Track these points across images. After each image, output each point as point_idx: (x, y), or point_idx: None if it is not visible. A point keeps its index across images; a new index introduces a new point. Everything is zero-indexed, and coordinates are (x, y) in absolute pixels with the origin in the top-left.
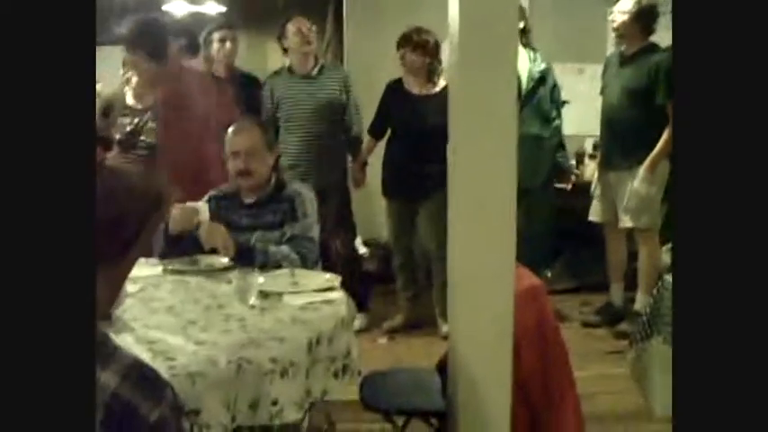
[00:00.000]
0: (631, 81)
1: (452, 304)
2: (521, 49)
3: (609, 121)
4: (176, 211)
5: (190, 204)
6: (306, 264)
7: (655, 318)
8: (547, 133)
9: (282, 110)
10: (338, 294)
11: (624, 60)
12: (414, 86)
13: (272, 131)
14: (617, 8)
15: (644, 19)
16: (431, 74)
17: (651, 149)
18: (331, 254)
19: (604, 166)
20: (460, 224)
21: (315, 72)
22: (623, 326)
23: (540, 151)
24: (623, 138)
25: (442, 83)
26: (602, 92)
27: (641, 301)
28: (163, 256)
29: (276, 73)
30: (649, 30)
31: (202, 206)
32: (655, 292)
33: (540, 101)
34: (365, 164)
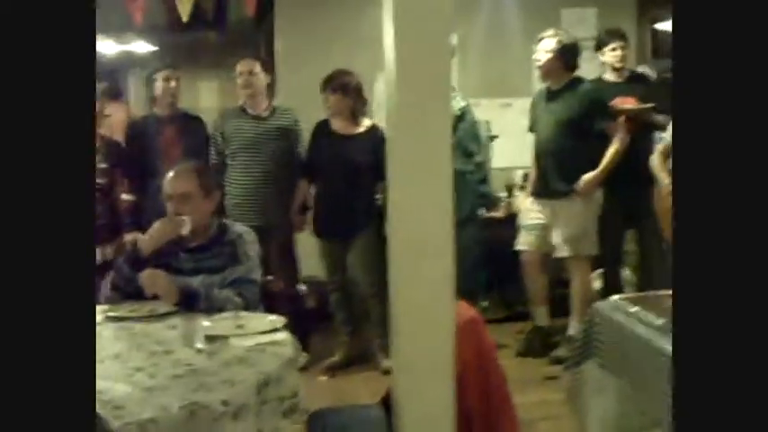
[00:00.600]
0: (562, 113)
1: (395, 339)
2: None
3: (543, 154)
4: (158, 223)
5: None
6: (249, 306)
7: (588, 342)
8: (469, 168)
9: (231, 148)
10: (283, 335)
11: (552, 95)
12: (339, 127)
13: (213, 175)
14: (540, 47)
15: (566, 56)
16: (354, 114)
17: (582, 175)
18: (275, 293)
19: (539, 196)
20: (400, 259)
21: (266, 113)
22: (559, 351)
23: (463, 186)
24: (559, 168)
25: (366, 122)
26: (533, 127)
27: (575, 327)
28: (109, 301)
29: (228, 111)
30: (573, 65)
31: (186, 219)
32: (587, 317)
33: (460, 137)
34: (305, 207)
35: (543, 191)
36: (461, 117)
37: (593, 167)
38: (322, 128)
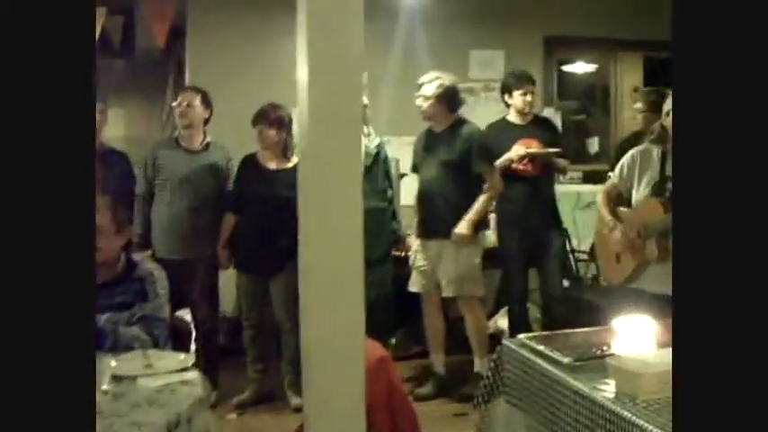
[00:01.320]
0: (445, 155)
1: (306, 376)
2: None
3: (427, 194)
4: None
5: None
6: (157, 344)
7: (497, 380)
8: (383, 205)
9: (160, 179)
10: (193, 374)
11: (435, 137)
12: (268, 161)
13: (126, 211)
14: (421, 93)
15: (447, 100)
16: (285, 149)
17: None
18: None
19: (424, 237)
20: (312, 297)
21: (200, 147)
22: (467, 388)
23: (380, 223)
24: (442, 209)
25: (295, 158)
26: (416, 168)
27: (479, 364)
28: None
29: (162, 141)
30: (455, 107)
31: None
32: (494, 355)
33: (376, 175)
34: (230, 241)
35: (427, 232)
36: (377, 155)
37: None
38: (250, 162)
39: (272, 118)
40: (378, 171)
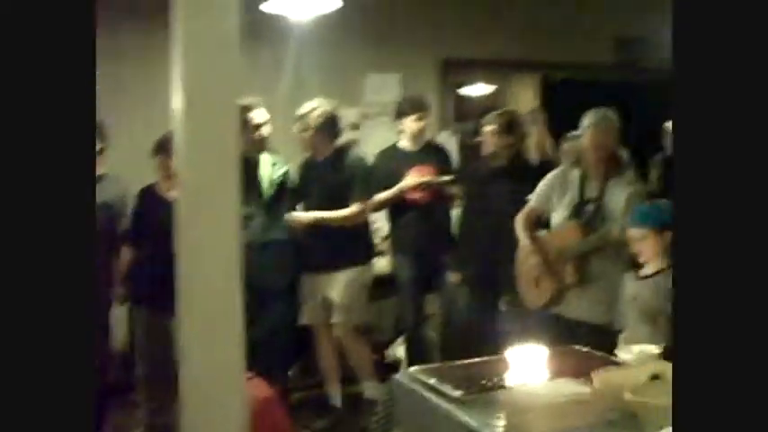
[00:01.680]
0: (329, 183)
1: (186, 420)
2: (263, 156)
3: (313, 225)
4: None
5: None
6: None
7: (390, 413)
8: (285, 237)
9: None
10: None
11: (317, 167)
12: (169, 192)
13: None
14: (302, 123)
15: (328, 128)
16: None
17: (356, 248)
18: None
19: (311, 268)
20: (189, 337)
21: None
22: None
23: (281, 256)
24: (328, 239)
25: None
26: (300, 196)
27: (369, 388)
28: None
29: None
30: (335, 135)
31: None
32: (386, 388)
33: (281, 205)
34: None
35: (313, 266)
36: (282, 184)
37: (359, 238)
38: (148, 193)
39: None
40: (282, 202)
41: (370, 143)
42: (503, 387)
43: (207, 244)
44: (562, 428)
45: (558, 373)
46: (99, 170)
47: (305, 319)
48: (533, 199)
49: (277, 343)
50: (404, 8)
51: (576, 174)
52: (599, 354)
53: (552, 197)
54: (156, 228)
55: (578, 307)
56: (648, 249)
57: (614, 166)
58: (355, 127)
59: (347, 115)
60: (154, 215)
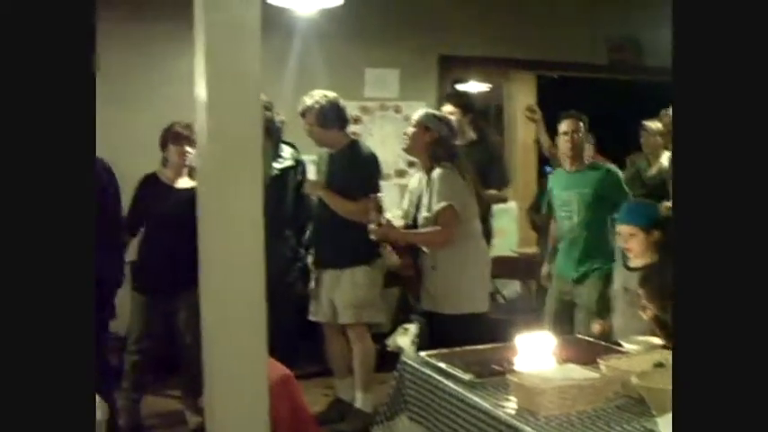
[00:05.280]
0: (339, 179)
1: (209, 397)
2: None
3: (318, 221)
4: None
5: None
6: None
7: (399, 396)
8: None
9: None
10: None
11: (331, 160)
12: (174, 179)
13: None
14: (306, 121)
15: (331, 118)
16: (192, 168)
17: (364, 246)
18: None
19: (319, 266)
20: (214, 319)
21: None
22: (344, 426)
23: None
24: (336, 236)
25: None
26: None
27: (360, 399)
28: None
29: None
30: (341, 124)
31: None
32: (396, 373)
33: (274, 200)
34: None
35: (321, 262)
36: (279, 177)
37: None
38: (152, 181)
39: (184, 136)
40: (276, 197)
41: (369, 138)
42: (512, 371)
43: (230, 229)
44: (572, 411)
45: (565, 359)
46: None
47: (313, 315)
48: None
49: (286, 333)
50: (403, 5)
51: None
52: (603, 343)
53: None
54: (160, 214)
55: (426, 299)
56: (637, 246)
57: (432, 161)
58: (357, 121)
59: (348, 108)
60: (159, 202)
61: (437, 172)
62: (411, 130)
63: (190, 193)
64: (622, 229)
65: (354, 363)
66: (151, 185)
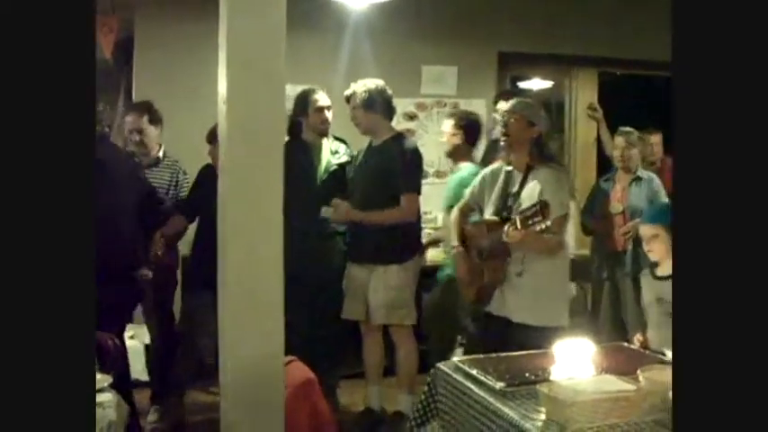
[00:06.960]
0: (378, 172)
1: (224, 397)
2: (324, 141)
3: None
4: None
5: None
6: None
7: (431, 403)
8: (342, 227)
9: None
10: (108, 396)
11: (372, 152)
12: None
13: None
14: (351, 105)
15: (376, 104)
16: None
17: (400, 244)
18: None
19: (354, 261)
20: (230, 319)
21: (150, 162)
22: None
23: (333, 244)
24: (372, 231)
25: None
26: (351, 184)
27: (403, 401)
28: None
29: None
30: (387, 112)
31: None
32: (428, 378)
33: (332, 194)
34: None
35: (356, 256)
36: (336, 172)
37: (405, 234)
38: (209, 172)
39: None
40: (333, 191)
41: (425, 136)
42: (546, 380)
43: (249, 227)
44: (603, 424)
45: (604, 369)
46: (157, 153)
47: (345, 313)
48: (467, 193)
49: (330, 333)
50: (461, 0)
51: (504, 169)
52: (647, 352)
53: (484, 192)
54: (215, 206)
55: (503, 306)
56: (659, 247)
57: (536, 158)
58: (412, 117)
59: (403, 105)
60: (214, 193)
61: (546, 172)
62: (511, 121)
63: None
64: (645, 230)
65: (397, 364)
66: (207, 177)
